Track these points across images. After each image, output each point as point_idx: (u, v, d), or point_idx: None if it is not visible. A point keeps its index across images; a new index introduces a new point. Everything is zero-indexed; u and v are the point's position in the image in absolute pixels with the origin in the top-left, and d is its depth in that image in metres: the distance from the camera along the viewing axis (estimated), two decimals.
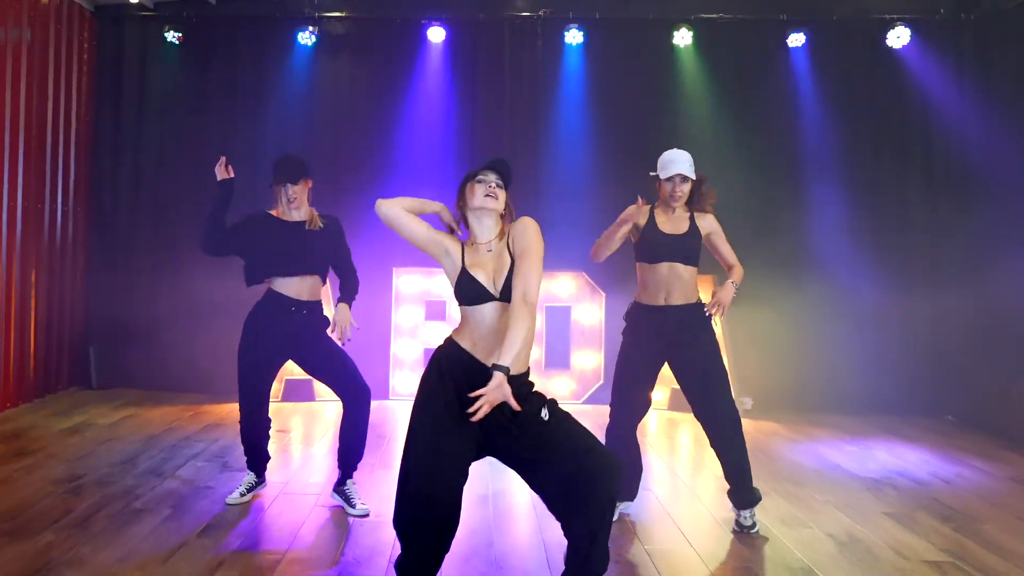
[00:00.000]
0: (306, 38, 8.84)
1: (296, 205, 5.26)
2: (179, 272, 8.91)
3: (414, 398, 3.67)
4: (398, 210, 3.73)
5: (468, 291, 3.63)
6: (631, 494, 5.25)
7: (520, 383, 3.54)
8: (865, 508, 5.54)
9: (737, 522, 5.02)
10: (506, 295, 3.58)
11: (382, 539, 4.76)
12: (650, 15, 8.90)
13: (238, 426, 5.52)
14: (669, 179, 5.08)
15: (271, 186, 5.29)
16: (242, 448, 5.52)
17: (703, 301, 5.11)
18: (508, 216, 3.74)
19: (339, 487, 5.37)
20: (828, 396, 8.62)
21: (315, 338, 5.31)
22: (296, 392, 8.66)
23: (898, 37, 8.65)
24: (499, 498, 5.58)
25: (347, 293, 5.36)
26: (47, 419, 7.55)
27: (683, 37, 8.77)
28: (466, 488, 3.54)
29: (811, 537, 4.93)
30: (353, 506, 5.24)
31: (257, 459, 5.51)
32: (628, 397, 5.09)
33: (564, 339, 8.85)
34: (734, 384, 8.38)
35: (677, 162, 5.07)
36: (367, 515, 5.16)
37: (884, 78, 8.82)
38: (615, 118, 8.89)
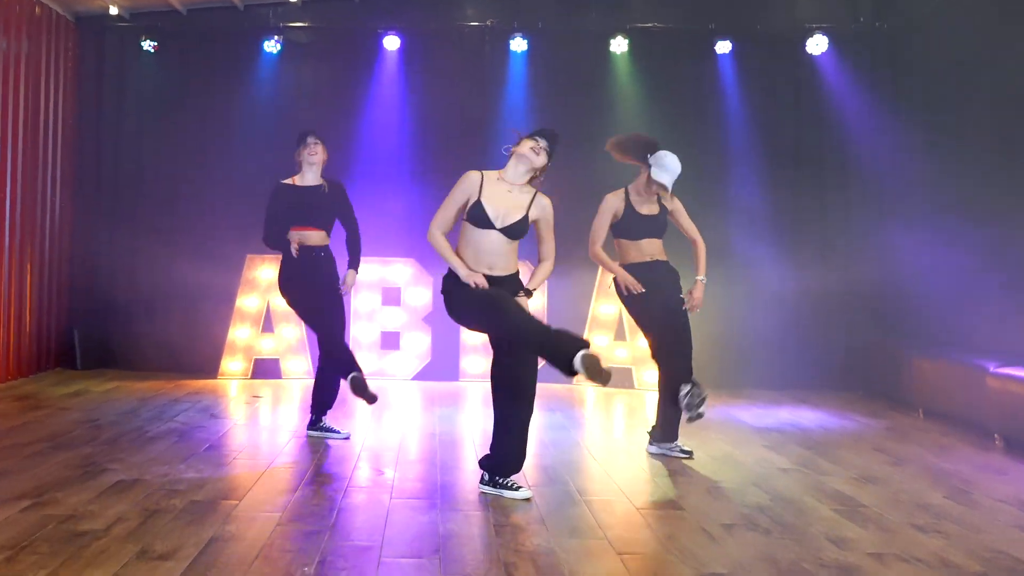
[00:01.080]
0: (272, 46, 11.10)
1: (315, 160, 7.35)
2: (158, 258, 11.09)
3: (453, 296, 5.76)
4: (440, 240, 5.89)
5: (477, 216, 5.69)
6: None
7: (512, 279, 5.78)
8: (747, 441, 7.84)
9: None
10: (507, 232, 5.69)
11: (350, 454, 7.00)
12: (589, 25, 11.21)
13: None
14: (660, 184, 6.92)
15: (295, 149, 7.40)
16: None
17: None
18: (539, 180, 5.94)
19: (315, 426, 7.53)
20: (752, 374, 10.85)
21: (333, 280, 7.44)
22: (264, 371, 10.82)
23: (816, 44, 10.97)
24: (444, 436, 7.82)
25: (354, 259, 7.56)
26: (45, 388, 9.74)
27: (620, 45, 11.04)
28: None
29: (697, 456, 7.18)
30: (337, 432, 7.48)
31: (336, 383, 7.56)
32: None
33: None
34: None
35: (672, 173, 6.92)
36: (348, 437, 7.48)
37: (804, 83, 11.18)
38: (557, 120, 10.87)
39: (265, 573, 4.38)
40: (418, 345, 11.10)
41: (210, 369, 10.83)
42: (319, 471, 6.49)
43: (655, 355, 7.13)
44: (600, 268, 9.23)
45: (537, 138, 5.84)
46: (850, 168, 11.14)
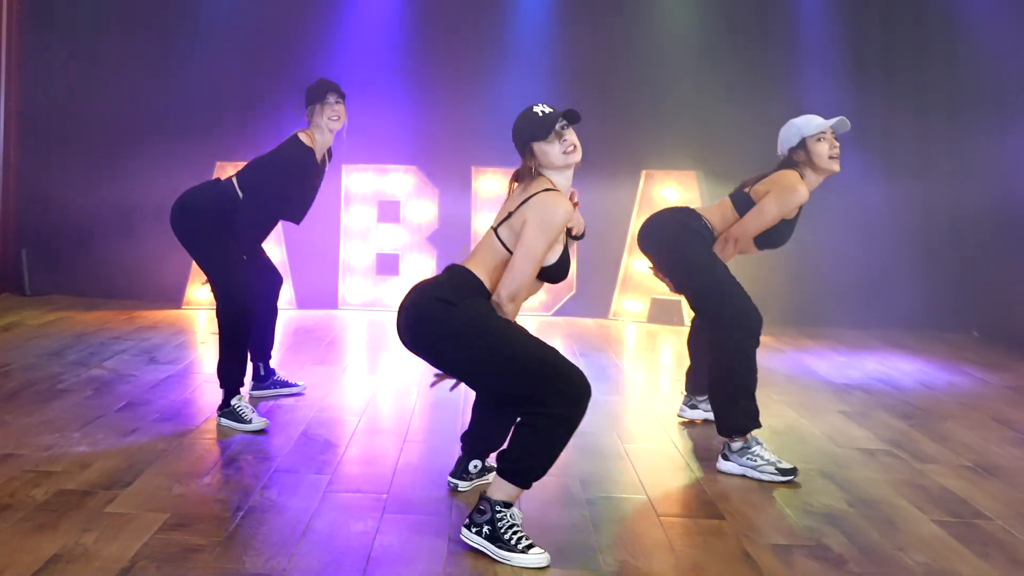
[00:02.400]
0: None
1: (338, 125, 5.85)
2: (115, 175, 10.10)
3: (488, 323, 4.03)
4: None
5: (562, 270, 4.28)
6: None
7: None
8: (820, 407, 6.52)
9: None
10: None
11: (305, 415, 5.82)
12: None
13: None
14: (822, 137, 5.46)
15: (309, 106, 5.86)
16: None
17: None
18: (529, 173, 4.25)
19: (262, 383, 6.30)
20: (836, 311, 9.67)
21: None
22: None
23: None
24: None
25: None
26: None
27: None
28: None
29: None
30: (294, 385, 6.37)
31: (244, 359, 5.87)
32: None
33: None
34: None
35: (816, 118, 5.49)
36: (304, 391, 6.39)
37: None
38: (585, 58, 10.10)
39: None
40: (421, 269, 9.93)
41: (174, 297, 9.86)
42: (248, 445, 5.31)
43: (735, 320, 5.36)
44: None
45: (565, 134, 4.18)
46: (958, 64, 9.73)
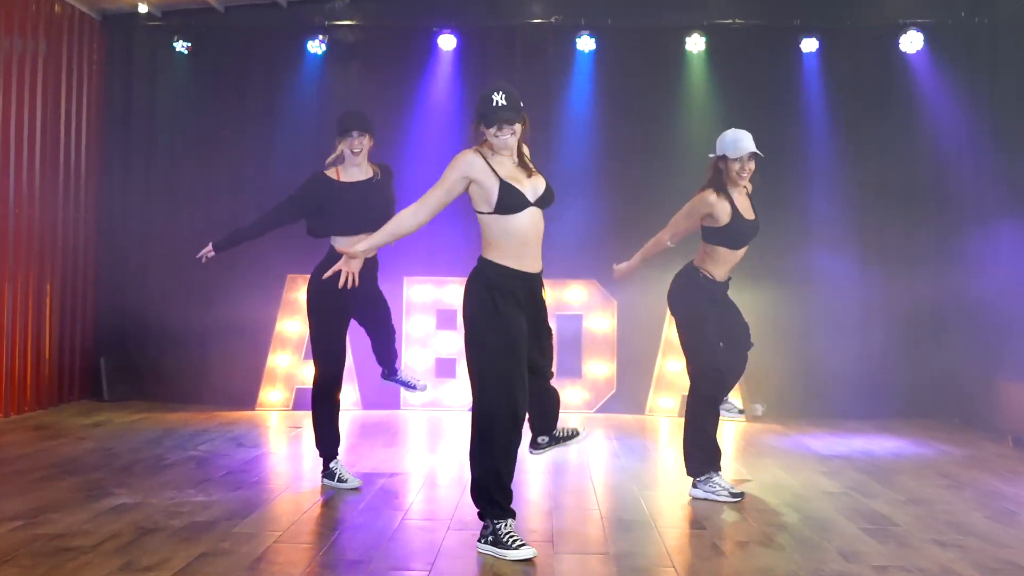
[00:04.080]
0: (316, 47, 11.83)
1: (360, 158, 7.08)
2: (190, 284, 11.80)
3: (479, 322, 5.49)
4: (406, 228, 5.68)
5: (515, 201, 5.39)
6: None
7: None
8: (804, 468, 8.39)
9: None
10: (540, 203, 5.51)
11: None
12: (663, 21, 11.73)
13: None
14: (738, 159, 6.98)
15: (336, 137, 7.09)
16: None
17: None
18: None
19: (393, 376, 7.71)
20: (836, 403, 11.28)
21: (372, 289, 7.29)
22: (308, 401, 11.46)
23: (911, 42, 11.32)
24: None
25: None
26: (65, 419, 10.61)
27: (696, 43, 11.56)
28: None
29: (742, 482, 7.70)
30: (414, 386, 7.78)
31: (335, 436, 7.41)
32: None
33: (576, 349, 11.63)
34: (746, 391, 11.11)
35: (747, 139, 7.00)
36: (425, 388, 7.98)
37: (896, 83, 11.53)
38: (626, 125, 11.61)
39: None
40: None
41: (248, 400, 11.51)
42: (339, 496, 7.12)
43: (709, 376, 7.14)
44: None
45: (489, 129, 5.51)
46: (942, 177, 11.43)
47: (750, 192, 7.33)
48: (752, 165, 7.07)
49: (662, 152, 11.22)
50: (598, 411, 11.56)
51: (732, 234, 7.06)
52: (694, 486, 7.16)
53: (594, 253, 11.30)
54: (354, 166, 7.17)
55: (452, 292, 11.59)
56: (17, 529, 5.98)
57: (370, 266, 7.13)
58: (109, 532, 5.92)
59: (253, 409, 11.43)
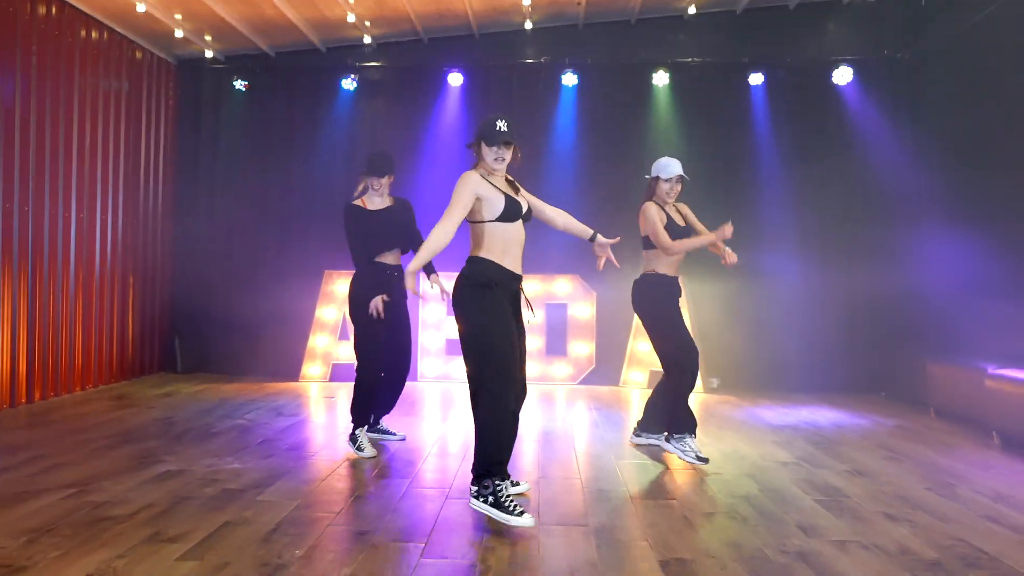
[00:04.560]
0: (349, 84, 11.09)
1: (379, 193, 6.68)
2: (247, 278, 11.19)
3: (477, 309, 4.86)
4: (442, 244, 4.88)
5: (515, 211, 4.96)
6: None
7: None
8: (760, 439, 7.43)
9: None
10: (525, 217, 5.06)
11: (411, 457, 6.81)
12: (633, 59, 10.91)
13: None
14: (668, 180, 6.62)
15: (360, 174, 6.72)
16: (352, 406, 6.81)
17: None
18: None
19: (373, 428, 7.13)
20: (787, 379, 10.44)
21: (401, 302, 6.84)
22: (341, 374, 10.76)
23: (842, 75, 10.50)
24: None
25: (431, 266, 6.71)
26: (143, 389, 9.81)
27: (661, 78, 10.74)
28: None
29: (706, 450, 6.83)
30: (393, 434, 7.13)
31: (368, 407, 6.73)
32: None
33: (562, 332, 10.82)
34: (704, 367, 10.34)
35: (675, 165, 6.66)
36: (404, 439, 7.15)
37: (830, 110, 10.68)
38: (603, 145, 10.87)
39: (259, 555, 4.22)
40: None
41: (293, 373, 10.89)
42: (357, 463, 6.32)
43: (678, 360, 6.49)
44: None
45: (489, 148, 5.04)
46: (872, 188, 10.60)
47: (681, 210, 6.96)
48: (679, 187, 6.73)
49: (633, 168, 10.44)
50: (580, 383, 10.75)
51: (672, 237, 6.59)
52: (667, 440, 6.59)
53: (577, 253, 10.62)
54: (377, 196, 6.77)
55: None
56: (68, 497, 5.21)
57: (399, 283, 6.82)
58: (147, 501, 5.14)
59: (297, 381, 10.76)
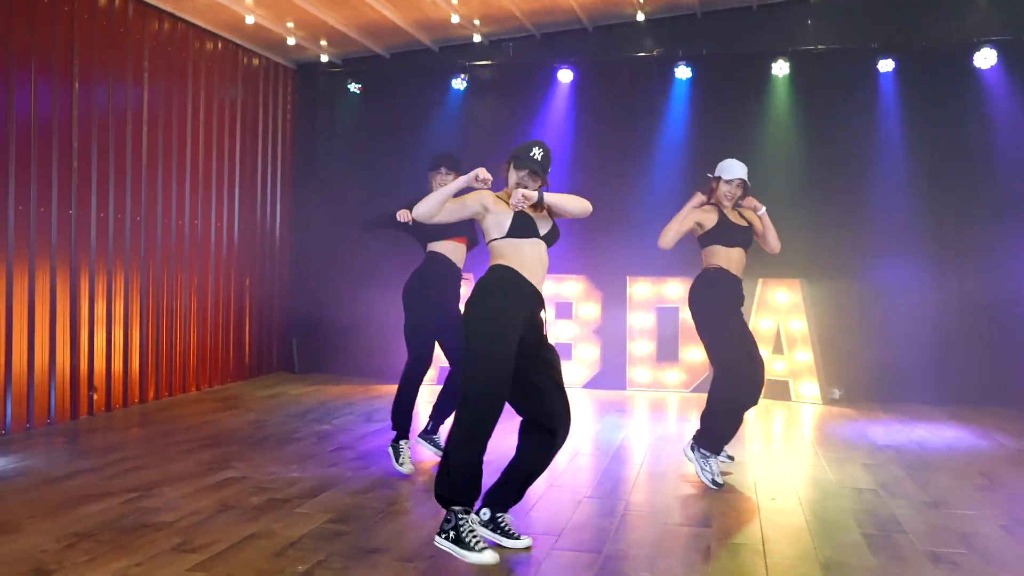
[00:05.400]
0: (459, 84, 11.45)
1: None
2: (361, 282, 11.65)
3: (482, 317, 4.84)
4: (432, 207, 4.93)
5: (525, 226, 4.92)
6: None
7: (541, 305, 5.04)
8: (849, 459, 7.30)
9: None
10: (546, 238, 5.01)
11: None
12: (750, 49, 10.79)
13: (392, 398, 7.20)
14: (728, 182, 6.63)
15: (428, 171, 7.01)
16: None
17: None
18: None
19: (427, 435, 7.22)
20: (922, 389, 10.03)
21: (453, 307, 6.84)
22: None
23: (984, 58, 10.01)
24: None
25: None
26: (253, 389, 10.49)
27: (781, 68, 10.56)
28: None
29: (787, 469, 6.79)
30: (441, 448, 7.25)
31: (408, 415, 6.84)
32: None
33: (674, 336, 10.85)
34: (824, 376, 10.17)
35: (737, 168, 6.67)
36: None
37: (970, 98, 10.23)
38: (717, 144, 10.68)
39: (263, 569, 4.55)
40: (589, 355, 11.09)
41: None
42: (395, 479, 6.53)
43: (726, 371, 6.43)
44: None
45: (516, 171, 5.08)
46: (1014, 184, 10.08)
47: (747, 216, 6.83)
48: (738, 191, 6.70)
49: (754, 164, 10.37)
50: (693, 391, 10.72)
51: (721, 234, 6.60)
52: (692, 449, 6.49)
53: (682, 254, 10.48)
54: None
55: (568, 287, 11.25)
56: (126, 502, 5.72)
57: (455, 283, 6.95)
58: (193, 509, 5.59)
59: None
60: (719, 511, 5.77)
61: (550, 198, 4.97)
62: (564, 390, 5.05)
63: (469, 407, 4.79)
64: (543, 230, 5.03)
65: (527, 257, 4.96)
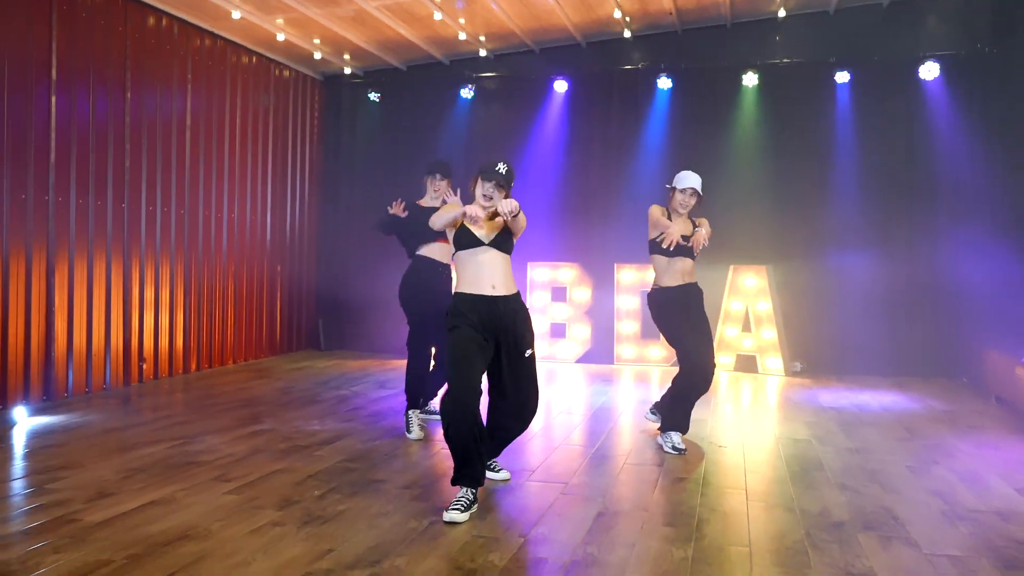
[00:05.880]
0: (467, 93, 12.09)
1: (438, 194, 7.12)
2: (381, 269, 12.13)
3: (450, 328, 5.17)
4: (438, 224, 5.26)
5: (464, 240, 5.17)
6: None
7: (514, 301, 5.21)
8: (793, 418, 7.96)
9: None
10: (494, 244, 5.16)
11: None
12: (724, 62, 11.36)
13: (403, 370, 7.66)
14: (682, 191, 6.67)
15: (424, 176, 7.25)
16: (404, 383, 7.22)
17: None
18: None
19: (424, 410, 7.30)
20: (873, 362, 10.59)
21: (442, 295, 6.80)
22: None
23: (929, 71, 10.57)
24: None
25: None
26: (283, 363, 11.16)
27: (750, 79, 11.13)
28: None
29: (737, 425, 7.40)
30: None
31: (419, 391, 7.07)
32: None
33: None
34: (787, 351, 10.75)
35: (692, 179, 6.68)
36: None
37: (915, 106, 10.78)
38: (692, 146, 11.27)
39: (284, 494, 5.21)
40: (581, 334, 11.71)
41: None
42: (404, 440, 7.04)
43: (681, 364, 6.72)
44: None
45: (484, 182, 5.24)
46: (960, 183, 10.60)
47: (697, 225, 6.74)
48: (692, 201, 6.70)
49: (721, 165, 11.00)
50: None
51: (670, 249, 6.60)
52: (661, 431, 6.72)
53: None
54: (433, 198, 7.24)
55: (563, 273, 11.78)
56: (174, 447, 6.38)
57: (444, 280, 7.12)
58: (230, 451, 6.25)
59: None
60: (671, 456, 6.40)
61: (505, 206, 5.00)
62: (520, 386, 5.29)
63: (446, 407, 5.02)
64: (490, 237, 5.22)
65: (479, 264, 5.19)
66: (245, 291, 11.22)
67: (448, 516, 4.76)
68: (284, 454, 6.21)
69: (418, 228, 6.94)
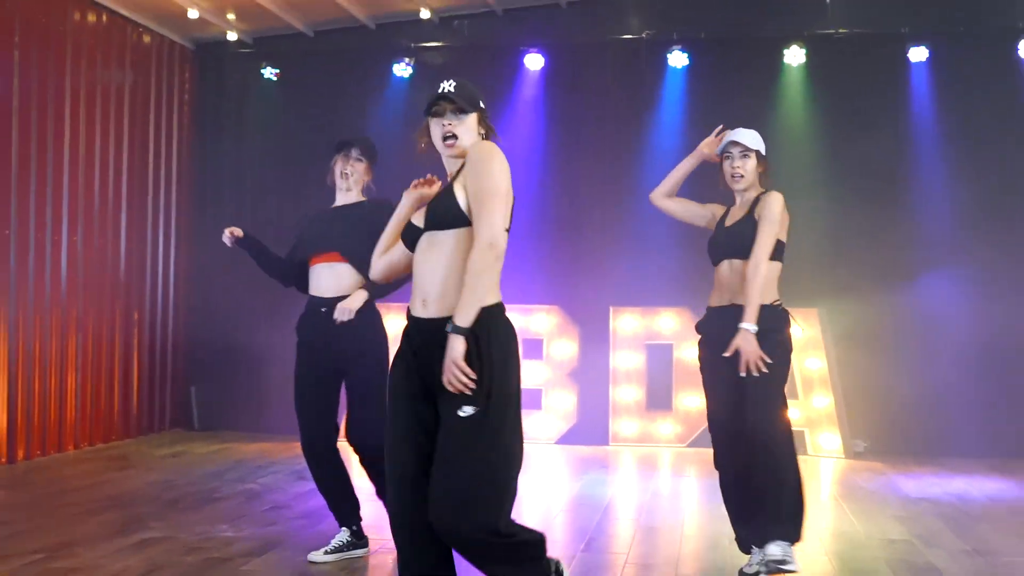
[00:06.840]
0: (402, 70, 12.27)
1: (348, 182, 6.67)
2: (280, 316, 12.03)
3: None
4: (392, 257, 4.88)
5: (407, 236, 4.67)
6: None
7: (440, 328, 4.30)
8: (877, 511, 8.25)
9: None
10: (430, 223, 4.50)
11: None
12: (759, 33, 11.75)
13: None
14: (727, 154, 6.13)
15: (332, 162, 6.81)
16: None
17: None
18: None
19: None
20: (957, 441, 10.96)
21: (356, 358, 6.69)
22: None
23: None
24: None
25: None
26: (146, 448, 11.22)
27: (795, 56, 11.54)
28: None
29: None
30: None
31: (340, 506, 6.82)
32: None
33: (667, 380, 11.71)
34: (847, 426, 11.06)
35: (733, 134, 6.13)
36: None
37: (1016, 93, 11.25)
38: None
39: None
40: (563, 404, 11.91)
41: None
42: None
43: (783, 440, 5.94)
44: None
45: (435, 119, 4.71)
46: None
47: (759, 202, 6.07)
48: (747, 165, 6.10)
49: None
50: (689, 446, 11.54)
51: (709, 245, 6.26)
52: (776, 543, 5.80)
53: (685, 282, 11.26)
54: (344, 193, 6.84)
55: (538, 320, 12.02)
56: (33, 564, 6.36)
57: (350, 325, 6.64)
58: (119, 568, 6.27)
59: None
60: (730, 562, 6.59)
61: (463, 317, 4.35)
62: (452, 469, 4.26)
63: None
64: (421, 219, 4.64)
65: (415, 271, 4.63)
66: (92, 348, 11.17)
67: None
68: (198, 570, 6.26)
69: (312, 241, 6.75)
